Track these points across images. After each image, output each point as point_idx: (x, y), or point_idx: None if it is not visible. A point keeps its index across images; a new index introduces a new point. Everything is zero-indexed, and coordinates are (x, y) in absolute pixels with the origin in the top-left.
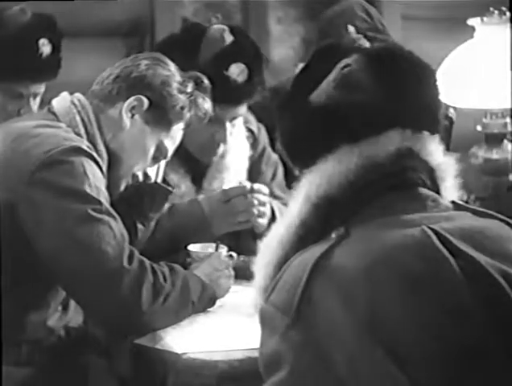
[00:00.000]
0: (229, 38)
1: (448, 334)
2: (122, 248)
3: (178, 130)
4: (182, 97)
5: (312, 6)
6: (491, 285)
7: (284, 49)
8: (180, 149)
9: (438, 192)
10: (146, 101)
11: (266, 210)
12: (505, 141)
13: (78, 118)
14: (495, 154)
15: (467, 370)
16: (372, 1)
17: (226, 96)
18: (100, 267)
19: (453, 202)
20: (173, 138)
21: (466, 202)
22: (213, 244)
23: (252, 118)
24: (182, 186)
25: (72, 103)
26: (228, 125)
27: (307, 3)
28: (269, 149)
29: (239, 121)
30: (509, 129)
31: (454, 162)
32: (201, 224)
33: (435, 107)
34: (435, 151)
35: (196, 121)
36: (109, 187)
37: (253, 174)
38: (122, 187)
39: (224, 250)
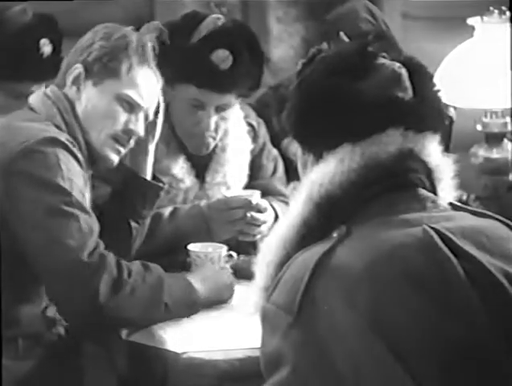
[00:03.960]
0: (219, 23)
1: (449, 333)
2: (85, 242)
3: (137, 75)
4: (105, 45)
5: (312, 6)
6: (493, 284)
7: (284, 48)
8: (184, 144)
9: (434, 193)
10: (79, 66)
11: (263, 228)
12: (506, 140)
13: (55, 109)
14: (495, 154)
15: (468, 368)
16: (372, 0)
17: (208, 81)
18: (59, 259)
19: (451, 203)
20: (136, 86)
21: (466, 201)
22: (213, 244)
23: (252, 113)
24: (187, 181)
25: (46, 95)
26: (213, 113)
27: (308, 3)
28: (269, 144)
29: (229, 117)
30: (509, 128)
31: (452, 162)
32: (202, 230)
33: (439, 108)
34: (434, 152)
35: (138, 61)
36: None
37: (255, 168)
38: (114, 158)
39: (224, 249)
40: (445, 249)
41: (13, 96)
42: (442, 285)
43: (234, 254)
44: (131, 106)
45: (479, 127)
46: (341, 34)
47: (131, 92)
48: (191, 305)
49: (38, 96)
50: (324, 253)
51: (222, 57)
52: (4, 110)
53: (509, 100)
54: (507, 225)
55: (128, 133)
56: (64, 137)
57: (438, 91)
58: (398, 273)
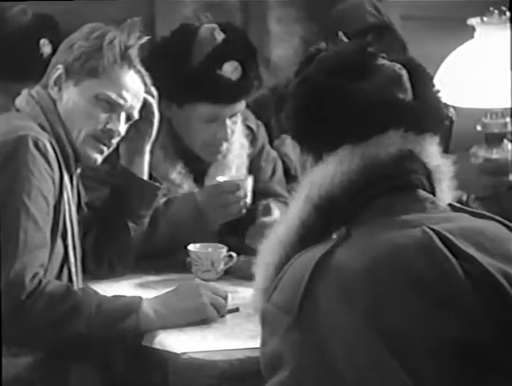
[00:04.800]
0: (219, 36)
1: (449, 334)
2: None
3: (117, 75)
4: (83, 45)
5: (312, 7)
6: (493, 284)
7: (284, 49)
8: (182, 150)
9: (433, 194)
10: (60, 66)
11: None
12: (505, 140)
13: (38, 108)
14: (495, 154)
15: (468, 369)
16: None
17: (222, 95)
18: None
19: (450, 204)
20: (116, 86)
21: (466, 202)
22: (213, 244)
23: (251, 116)
24: (184, 186)
25: (30, 95)
26: (228, 122)
27: (307, 3)
28: (268, 146)
29: (238, 119)
30: (509, 128)
31: (450, 163)
32: (196, 216)
33: (439, 109)
34: (433, 153)
35: (112, 62)
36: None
37: (253, 170)
38: (96, 156)
39: (224, 250)
40: (444, 250)
41: (13, 96)
42: (441, 285)
43: (234, 255)
44: (111, 106)
45: (479, 127)
46: (340, 33)
47: (110, 92)
48: (126, 329)
49: (23, 96)
50: (323, 254)
51: (232, 69)
52: (3, 110)
53: (509, 101)
54: (506, 226)
55: (108, 132)
56: (43, 136)
57: (438, 92)
58: (398, 274)
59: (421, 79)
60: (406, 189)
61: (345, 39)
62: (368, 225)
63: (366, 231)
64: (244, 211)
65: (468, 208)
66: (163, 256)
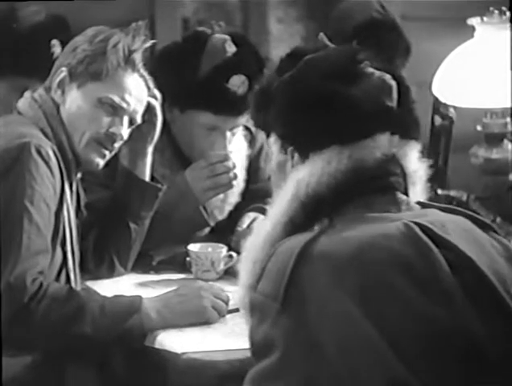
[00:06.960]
0: (230, 49)
1: (432, 317)
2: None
3: (120, 78)
4: (87, 48)
5: (313, 6)
6: (473, 272)
7: (284, 49)
8: (179, 154)
9: (406, 194)
10: (64, 69)
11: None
12: (506, 140)
13: (41, 112)
14: (495, 154)
15: (451, 352)
16: None
17: (226, 107)
18: None
19: (418, 202)
20: (119, 89)
21: (466, 202)
22: (213, 244)
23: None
24: None
25: (33, 98)
26: (228, 133)
27: (308, 3)
28: (267, 146)
29: (239, 131)
30: (509, 128)
31: (426, 167)
32: (184, 189)
33: (417, 118)
34: (413, 158)
35: (116, 66)
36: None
37: (252, 171)
38: (98, 161)
39: (224, 250)
40: (426, 239)
41: (18, 91)
42: (424, 271)
43: (234, 254)
44: (114, 109)
45: (479, 127)
46: (321, 35)
47: (114, 95)
48: (130, 329)
49: (26, 99)
50: (308, 241)
51: (239, 83)
52: (10, 107)
53: (509, 101)
54: (473, 220)
55: (111, 136)
56: (44, 142)
57: (415, 103)
58: (383, 258)
59: (404, 89)
60: (387, 191)
61: (327, 41)
62: (350, 217)
63: (349, 222)
64: (234, 183)
65: (436, 204)
66: (159, 241)
